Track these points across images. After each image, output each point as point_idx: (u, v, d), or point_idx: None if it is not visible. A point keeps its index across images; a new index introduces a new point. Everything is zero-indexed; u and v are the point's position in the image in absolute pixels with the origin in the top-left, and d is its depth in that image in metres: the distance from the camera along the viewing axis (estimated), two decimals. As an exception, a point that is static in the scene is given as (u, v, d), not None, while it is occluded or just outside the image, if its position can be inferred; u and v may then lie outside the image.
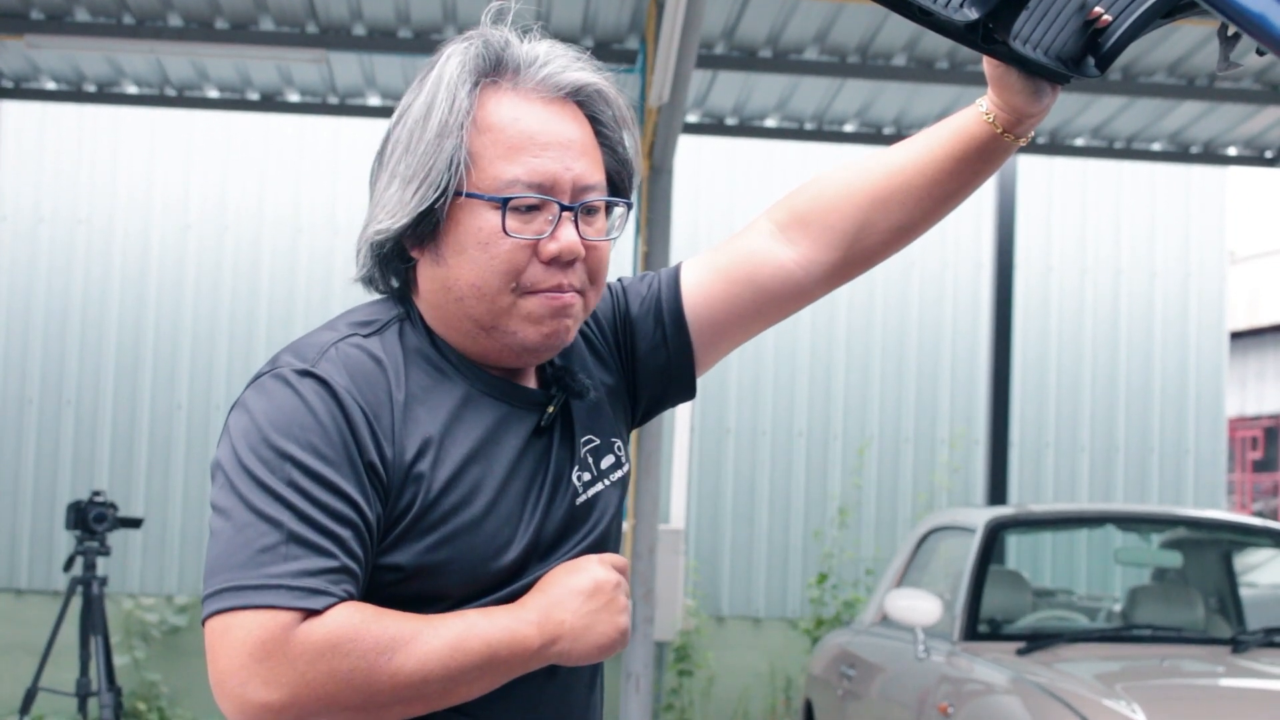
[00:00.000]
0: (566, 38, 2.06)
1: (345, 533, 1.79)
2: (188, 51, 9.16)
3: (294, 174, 11.57)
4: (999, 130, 2.02)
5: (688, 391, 2.20)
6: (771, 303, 2.14)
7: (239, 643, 1.72)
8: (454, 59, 1.95)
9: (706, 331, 2.15)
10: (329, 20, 9.05)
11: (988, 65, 1.98)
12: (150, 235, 11.50)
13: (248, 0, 8.79)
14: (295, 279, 11.51)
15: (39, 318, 11.42)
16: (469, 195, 1.90)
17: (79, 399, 11.36)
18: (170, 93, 10.32)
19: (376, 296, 2.04)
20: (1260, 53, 1.81)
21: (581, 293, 1.96)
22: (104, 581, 7.45)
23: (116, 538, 8.54)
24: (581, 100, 1.99)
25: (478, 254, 1.90)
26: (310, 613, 1.74)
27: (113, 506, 7.56)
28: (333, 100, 10.37)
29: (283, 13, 8.96)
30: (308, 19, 9.05)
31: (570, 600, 1.88)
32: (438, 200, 1.89)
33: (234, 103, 10.39)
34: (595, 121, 2.00)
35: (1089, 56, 1.99)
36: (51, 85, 10.27)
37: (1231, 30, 1.82)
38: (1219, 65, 1.82)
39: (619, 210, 2.01)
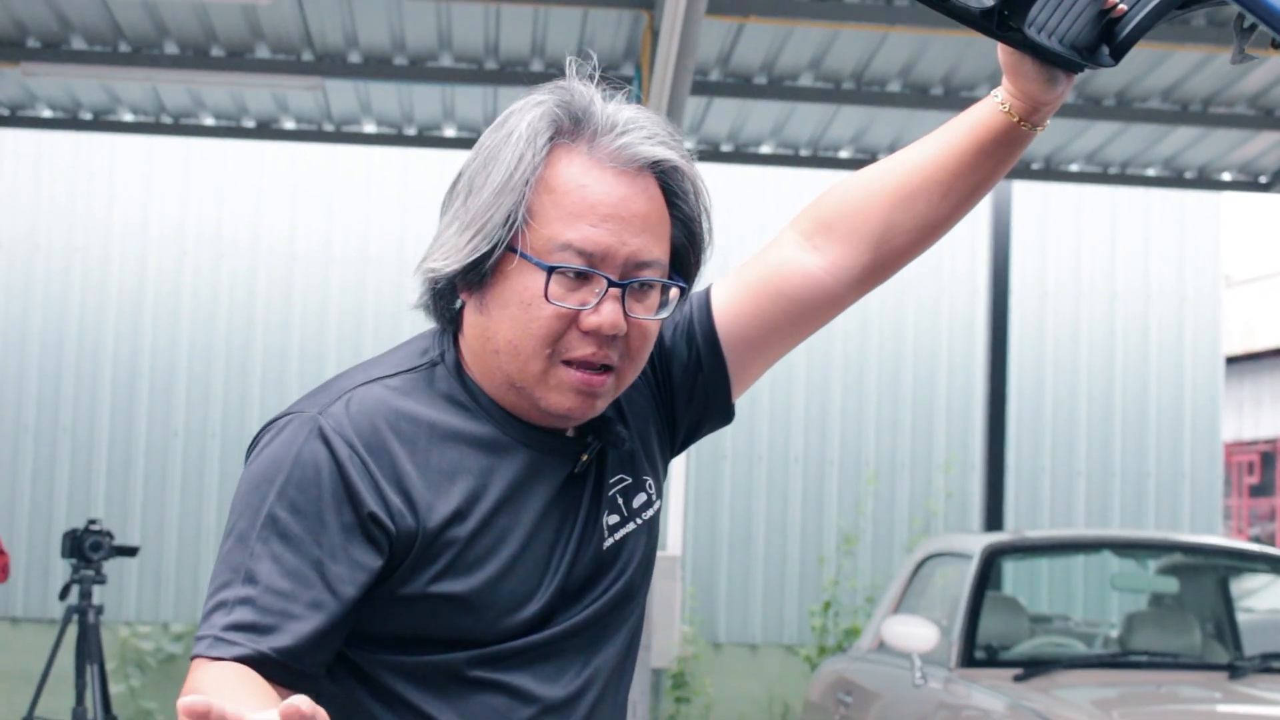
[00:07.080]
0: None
1: (293, 589, 1.80)
2: (184, 79, 9.17)
3: (290, 201, 11.57)
4: (1015, 119, 2.02)
5: (725, 415, 2.16)
6: (803, 314, 2.11)
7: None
8: (534, 110, 1.93)
9: (740, 349, 2.11)
10: (325, 48, 9.06)
11: (1002, 53, 1.98)
12: (146, 263, 11.50)
13: (244, 28, 8.80)
14: (290, 306, 11.50)
15: (35, 346, 11.42)
16: (519, 254, 1.88)
17: (75, 427, 11.36)
18: (166, 120, 10.33)
19: (409, 327, 2.03)
20: (1276, 45, 1.83)
21: (616, 369, 1.91)
22: (100, 610, 7.44)
23: (112, 566, 8.50)
24: (661, 174, 1.95)
25: (519, 313, 1.88)
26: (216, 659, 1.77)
27: (109, 535, 7.55)
28: (329, 127, 10.38)
29: (278, 40, 8.97)
30: (303, 47, 9.06)
31: None
32: (488, 253, 1.87)
33: (230, 130, 10.40)
34: (673, 196, 1.96)
35: (1103, 45, 2.00)
36: (47, 113, 10.28)
37: (1248, 21, 1.83)
38: (1234, 57, 1.83)
39: (675, 290, 1.96)
